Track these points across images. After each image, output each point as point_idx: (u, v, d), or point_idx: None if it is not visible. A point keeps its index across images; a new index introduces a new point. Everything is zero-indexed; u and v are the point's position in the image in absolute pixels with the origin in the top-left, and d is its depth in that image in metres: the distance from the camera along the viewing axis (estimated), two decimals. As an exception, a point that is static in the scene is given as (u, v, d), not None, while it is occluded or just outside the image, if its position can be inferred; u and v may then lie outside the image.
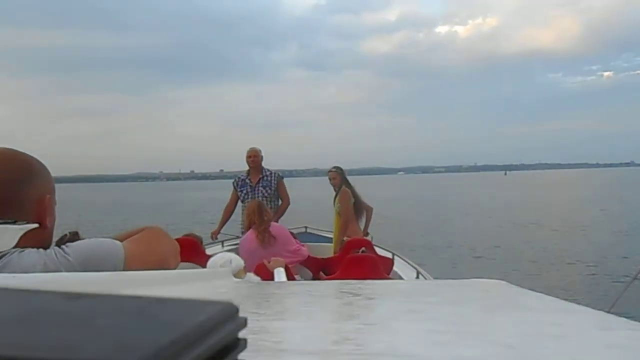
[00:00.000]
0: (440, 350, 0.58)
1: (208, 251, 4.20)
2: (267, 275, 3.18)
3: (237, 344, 0.28)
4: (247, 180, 4.91)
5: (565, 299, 0.96)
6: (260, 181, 4.86)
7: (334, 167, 4.88)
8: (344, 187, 4.73)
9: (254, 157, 4.90)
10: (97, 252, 1.07)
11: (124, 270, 1.07)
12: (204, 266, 3.14)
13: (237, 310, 0.28)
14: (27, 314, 0.26)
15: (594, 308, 0.86)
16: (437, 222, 17.61)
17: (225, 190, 5.26)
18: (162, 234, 1.26)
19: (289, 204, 5.03)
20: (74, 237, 1.15)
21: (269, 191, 4.86)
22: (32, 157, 1.12)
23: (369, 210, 4.96)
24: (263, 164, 4.96)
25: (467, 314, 0.85)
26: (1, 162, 1.06)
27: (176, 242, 1.30)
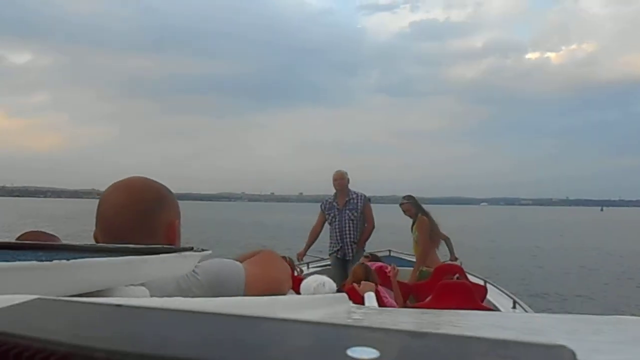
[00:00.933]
0: None
1: (295, 273, 4.29)
2: (358, 299, 3.19)
3: None
4: (335, 203, 4.98)
5: None
6: (347, 204, 4.92)
7: (405, 197, 4.76)
8: (420, 215, 4.61)
9: (340, 180, 4.95)
10: (223, 273, 1.10)
11: (245, 291, 1.09)
12: (296, 288, 3.21)
13: (574, 355, 0.26)
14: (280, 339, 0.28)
15: None
16: (520, 255, 16.58)
17: (305, 214, 5.36)
18: (276, 258, 1.28)
19: (373, 227, 5.01)
20: (188, 250, 1.24)
21: (356, 214, 4.90)
22: (161, 184, 1.18)
23: (447, 239, 4.79)
24: (349, 186, 5.00)
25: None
26: (136, 190, 1.11)
27: (289, 267, 1.32)
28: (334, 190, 5.00)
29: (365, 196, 5.02)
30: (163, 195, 1.15)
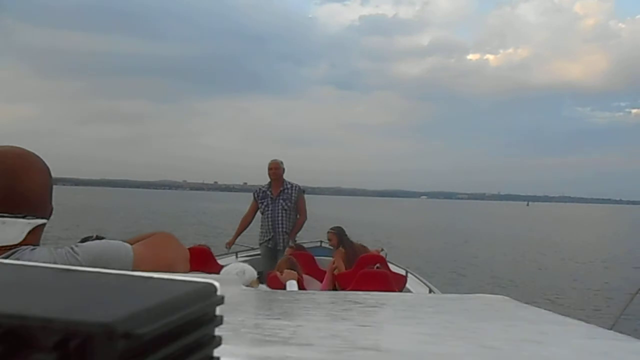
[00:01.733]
0: (421, 347, 0.64)
1: (222, 262, 4.29)
2: (280, 287, 3.27)
3: (214, 319, 0.31)
4: (268, 192, 4.95)
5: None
6: (281, 194, 4.91)
7: (332, 228, 4.84)
8: (340, 247, 4.66)
9: (275, 169, 4.92)
10: (106, 253, 1.08)
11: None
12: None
13: (215, 289, 0.31)
14: (21, 282, 0.30)
15: (592, 323, 0.91)
16: (452, 246, 17.45)
17: (247, 204, 5.35)
18: (172, 239, 1.26)
19: (305, 219, 5.05)
20: (99, 240, 1.18)
21: (289, 204, 4.91)
22: (32, 153, 1.12)
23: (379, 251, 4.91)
24: (285, 176, 5.00)
25: (459, 321, 0.92)
26: (2, 160, 1.06)
27: (186, 249, 1.30)
28: (287, 181, 4.98)
29: (299, 187, 5.04)
30: (30, 162, 1.10)
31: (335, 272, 4.33)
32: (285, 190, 4.94)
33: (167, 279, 0.31)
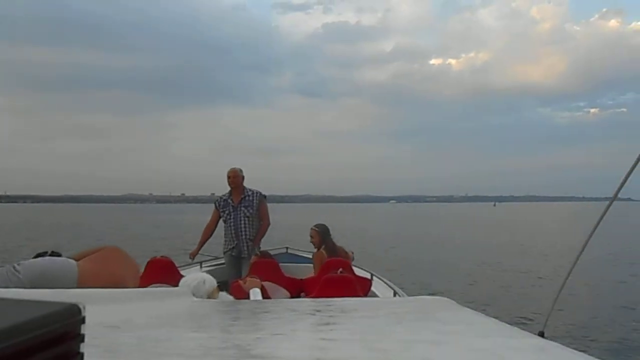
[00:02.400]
0: (312, 353, 0.66)
1: (185, 272, 4.19)
2: (243, 295, 3.20)
3: (75, 337, 0.33)
4: (230, 201, 4.90)
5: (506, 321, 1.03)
6: (242, 201, 4.86)
7: (316, 225, 4.69)
8: (322, 249, 4.54)
9: (234, 177, 4.87)
10: (49, 271, 1.07)
11: (78, 287, 1.05)
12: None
13: (78, 310, 0.33)
14: None
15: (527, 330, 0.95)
16: (418, 249, 17.71)
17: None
18: (120, 254, 1.25)
19: (269, 224, 4.99)
20: (55, 255, 1.16)
21: (251, 211, 4.86)
22: None
23: (349, 257, 4.78)
24: (250, 185, 4.95)
25: (377, 324, 0.96)
26: None
27: (135, 263, 1.29)
28: (248, 188, 4.92)
29: (260, 193, 4.98)
30: None
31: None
32: (246, 198, 4.89)
33: (30, 301, 0.33)
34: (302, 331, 0.91)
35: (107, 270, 1.16)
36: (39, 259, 1.12)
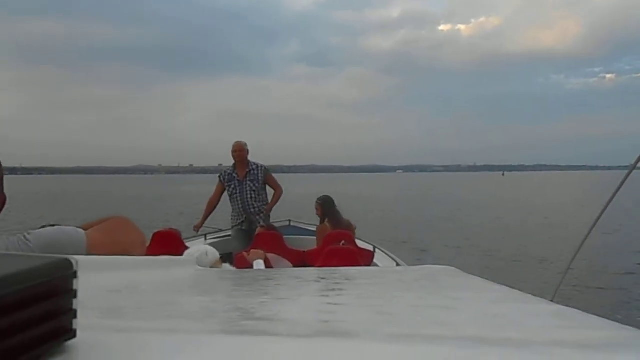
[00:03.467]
0: (322, 316, 0.67)
1: (190, 244, 4.27)
2: (246, 267, 3.28)
3: (68, 292, 0.34)
4: (235, 175, 4.91)
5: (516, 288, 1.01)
6: (248, 175, 4.88)
7: (319, 198, 4.70)
8: (325, 222, 4.54)
9: (239, 152, 4.87)
10: (58, 240, 1.10)
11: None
12: None
13: (70, 264, 0.35)
14: None
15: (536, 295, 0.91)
16: (427, 219, 17.77)
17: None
18: (127, 224, 1.27)
19: (282, 192, 5.04)
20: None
21: (257, 185, 4.89)
22: None
23: (351, 228, 4.77)
24: (254, 157, 4.96)
25: (382, 290, 0.96)
26: None
27: (142, 234, 1.30)
28: (252, 162, 4.94)
29: (265, 167, 5.01)
30: None
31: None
32: (252, 172, 4.91)
33: (24, 255, 0.35)
34: (307, 296, 0.93)
35: (115, 240, 1.18)
36: (49, 228, 1.15)
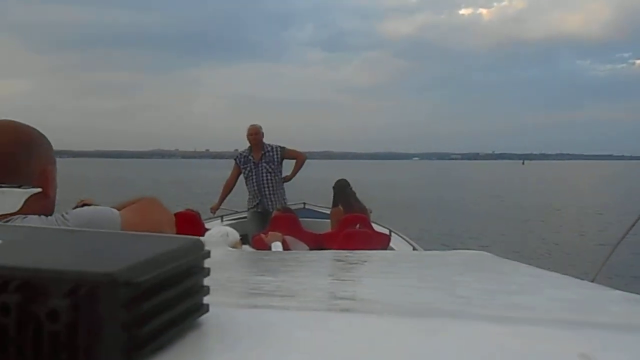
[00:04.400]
0: (398, 297, 0.67)
1: (208, 226, 4.33)
2: (264, 248, 3.32)
3: (202, 270, 0.37)
4: (250, 157, 4.95)
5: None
6: (263, 157, 4.92)
7: (337, 181, 4.75)
8: (339, 205, 4.58)
9: (255, 134, 4.91)
10: (95, 219, 1.11)
11: None
12: None
13: (202, 244, 0.37)
14: (31, 241, 0.37)
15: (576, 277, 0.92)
16: (443, 206, 17.66)
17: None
18: (157, 204, 1.29)
19: (305, 157, 5.18)
20: (89, 205, 1.23)
21: (273, 166, 4.93)
22: (33, 128, 1.14)
23: (366, 211, 4.80)
24: (269, 140, 4.99)
25: (436, 274, 0.96)
26: (4, 134, 1.08)
27: (171, 213, 1.33)
28: (267, 144, 4.98)
29: (280, 146, 5.04)
30: (31, 140, 1.12)
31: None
32: (267, 154, 4.94)
33: (160, 236, 0.38)
34: (367, 278, 0.94)
35: (146, 219, 1.20)
36: (85, 207, 1.17)
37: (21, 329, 0.29)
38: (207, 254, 0.37)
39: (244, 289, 0.70)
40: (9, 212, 1.04)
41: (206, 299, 0.38)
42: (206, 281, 0.38)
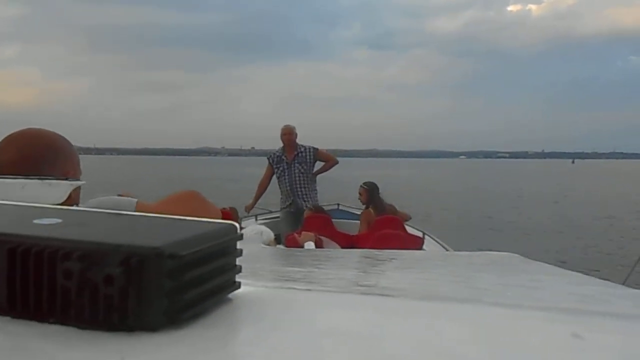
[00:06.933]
0: (419, 287, 0.70)
1: (242, 224, 4.40)
2: (297, 247, 3.34)
3: (235, 251, 0.42)
4: (283, 157, 4.98)
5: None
6: (296, 157, 4.93)
7: (365, 183, 4.68)
8: (370, 207, 4.53)
9: (289, 135, 4.94)
10: (114, 208, 1.18)
11: None
12: None
13: (236, 228, 0.42)
14: (87, 221, 0.43)
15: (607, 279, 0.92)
16: (482, 206, 17.14)
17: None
18: (198, 197, 1.30)
19: (336, 161, 5.16)
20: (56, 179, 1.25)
21: (305, 167, 4.94)
22: (56, 134, 1.19)
23: (398, 214, 4.70)
24: (310, 141, 5.04)
25: (460, 271, 0.97)
26: (27, 145, 1.13)
27: (217, 208, 1.35)
28: (307, 144, 5.03)
29: (313, 147, 5.04)
30: (56, 148, 1.16)
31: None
32: (300, 154, 4.95)
33: (200, 220, 0.42)
34: (352, 268, 0.99)
35: (186, 212, 1.29)
36: (101, 198, 1.21)
37: (81, 292, 0.34)
38: (241, 237, 0.42)
39: (273, 276, 0.76)
40: (56, 203, 1.07)
41: (237, 277, 0.42)
42: (238, 262, 0.43)
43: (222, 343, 0.36)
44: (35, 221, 0.40)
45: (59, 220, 0.41)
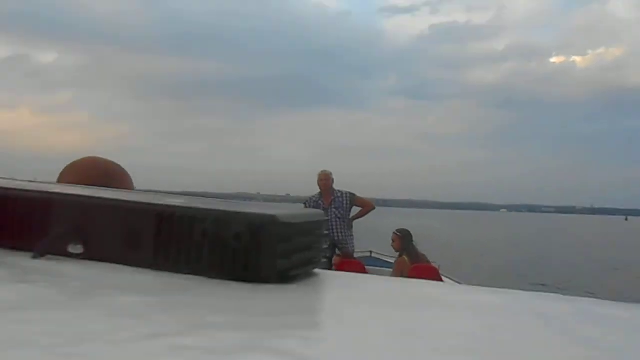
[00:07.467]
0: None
1: None
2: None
3: (325, 235, 0.55)
4: (320, 202, 5.02)
5: None
6: (333, 202, 4.98)
7: (398, 230, 4.71)
8: (404, 255, 4.50)
9: (325, 180, 5.02)
10: None
11: None
12: None
13: (325, 218, 0.56)
14: (212, 202, 0.50)
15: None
16: (523, 264, 16.35)
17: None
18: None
19: (373, 207, 5.29)
20: None
21: (342, 212, 4.97)
22: (110, 162, 1.23)
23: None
24: (345, 188, 5.11)
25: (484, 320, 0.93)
26: (82, 172, 1.16)
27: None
28: (337, 190, 5.10)
29: (350, 192, 5.09)
30: (110, 175, 1.19)
31: None
32: (337, 199, 5.01)
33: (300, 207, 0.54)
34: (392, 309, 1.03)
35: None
36: None
37: (214, 249, 0.44)
38: (327, 224, 0.53)
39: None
40: None
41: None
42: None
43: (324, 299, 0.44)
44: (167, 199, 0.49)
45: (184, 200, 0.49)
